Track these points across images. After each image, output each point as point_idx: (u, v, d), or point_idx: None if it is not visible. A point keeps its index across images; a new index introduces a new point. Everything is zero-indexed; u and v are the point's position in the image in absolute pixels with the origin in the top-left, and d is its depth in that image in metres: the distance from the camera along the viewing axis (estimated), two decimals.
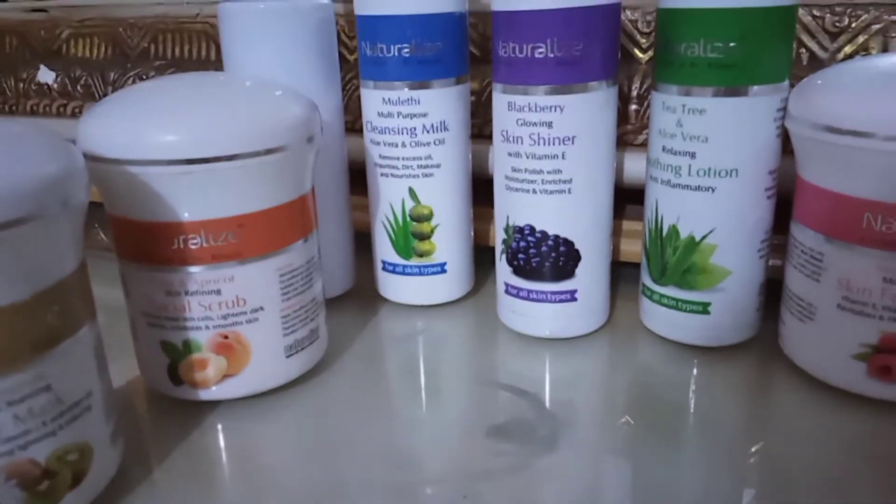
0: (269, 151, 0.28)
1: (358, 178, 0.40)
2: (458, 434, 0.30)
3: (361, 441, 0.29)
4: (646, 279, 0.35)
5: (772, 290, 0.34)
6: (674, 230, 0.32)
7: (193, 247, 0.28)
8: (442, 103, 0.36)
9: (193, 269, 0.28)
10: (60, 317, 0.23)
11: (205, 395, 0.30)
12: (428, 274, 0.38)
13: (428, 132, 0.36)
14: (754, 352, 0.34)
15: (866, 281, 0.28)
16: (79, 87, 0.56)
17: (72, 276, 0.23)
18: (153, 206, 0.28)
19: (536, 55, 0.31)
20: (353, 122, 0.44)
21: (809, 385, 0.31)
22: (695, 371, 0.33)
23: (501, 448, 0.28)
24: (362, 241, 0.42)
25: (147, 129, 0.27)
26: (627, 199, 0.40)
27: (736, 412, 0.30)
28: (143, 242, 0.28)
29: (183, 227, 0.28)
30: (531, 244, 0.34)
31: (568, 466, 0.27)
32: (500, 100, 0.33)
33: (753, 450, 0.27)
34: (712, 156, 0.30)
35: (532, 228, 0.33)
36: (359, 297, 0.41)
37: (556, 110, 0.31)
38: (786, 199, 0.33)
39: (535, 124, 0.32)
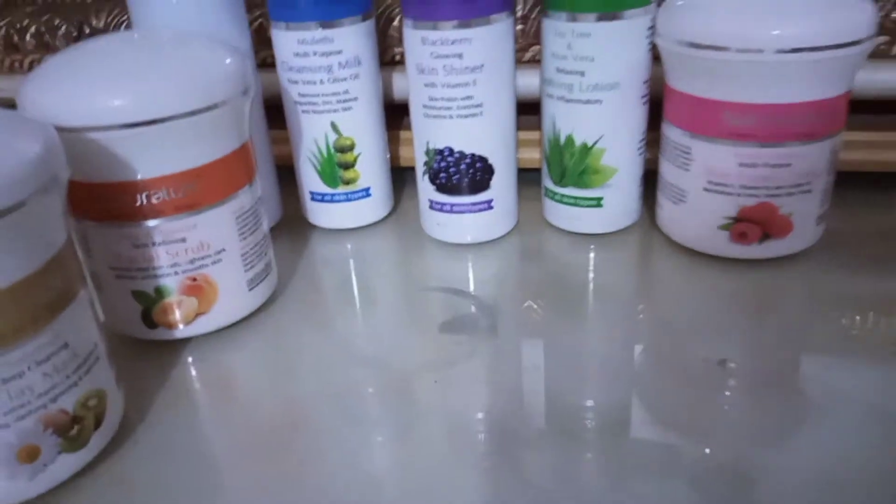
0: (209, 108, 0.30)
1: (270, 112, 0.42)
2: (414, 333, 0.34)
3: (326, 354, 0.33)
4: (547, 183, 0.40)
5: (648, 180, 0.41)
6: (570, 139, 0.38)
7: (156, 201, 0.30)
8: (354, 40, 0.38)
9: (158, 222, 0.31)
10: (64, 281, 0.25)
11: (179, 333, 0.33)
12: (355, 199, 0.42)
13: (343, 68, 0.38)
14: (638, 233, 0.41)
15: (725, 167, 0.34)
16: None
17: (67, 244, 0.25)
18: (115, 168, 0.29)
19: None
20: (263, 59, 0.46)
21: (684, 254, 0.38)
22: (592, 254, 0.39)
23: (455, 339, 0.33)
24: (282, 174, 0.44)
25: (100, 95, 0.28)
26: (519, 112, 0.45)
27: (627, 283, 0.37)
28: (106, 202, 0.30)
29: (146, 184, 0.30)
30: (451, 164, 0.38)
31: (510, 347, 0.33)
32: (413, 35, 0.36)
33: (642, 310, 0.35)
34: (598, 73, 0.36)
35: (451, 150, 0.38)
36: (289, 226, 0.44)
37: (465, 42, 0.35)
38: (655, 102, 0.39)
39: (447, 56, 0.35)
